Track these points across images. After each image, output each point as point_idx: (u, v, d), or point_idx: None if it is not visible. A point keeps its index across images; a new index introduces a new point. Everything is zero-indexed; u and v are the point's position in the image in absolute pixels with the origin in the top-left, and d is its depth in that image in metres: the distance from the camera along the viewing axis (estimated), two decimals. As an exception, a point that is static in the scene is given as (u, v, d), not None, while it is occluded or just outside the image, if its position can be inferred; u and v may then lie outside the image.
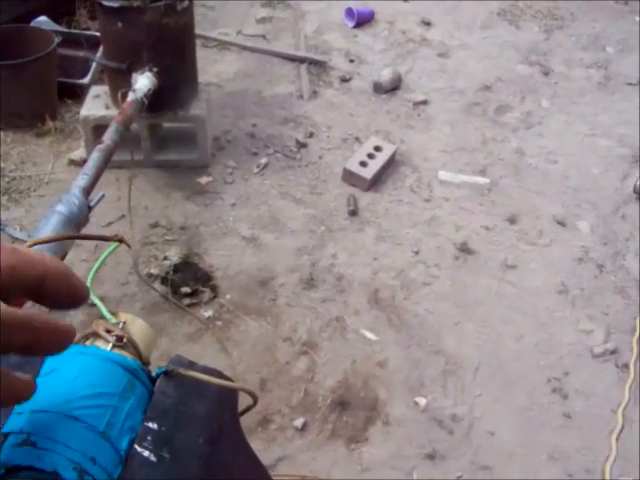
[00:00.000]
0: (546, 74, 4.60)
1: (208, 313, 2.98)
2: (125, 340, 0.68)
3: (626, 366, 2.93)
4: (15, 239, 3.27)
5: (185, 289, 3.04)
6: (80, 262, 3.15)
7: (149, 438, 0.62)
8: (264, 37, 4.82)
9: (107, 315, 0.70)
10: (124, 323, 0.70)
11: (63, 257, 2.49)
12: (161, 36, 3.28)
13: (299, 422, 2.63)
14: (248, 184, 3.63)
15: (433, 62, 4.68)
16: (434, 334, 2.98)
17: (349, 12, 4.99)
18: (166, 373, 0.68)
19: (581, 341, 3.02)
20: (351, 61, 4.62)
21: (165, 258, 3.16)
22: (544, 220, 3.57)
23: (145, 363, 0.69)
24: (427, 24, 5.06)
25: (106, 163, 2.89)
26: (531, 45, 4.86)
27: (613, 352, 2.98)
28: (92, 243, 3.22)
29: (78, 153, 3.71)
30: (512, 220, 3.54)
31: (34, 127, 3.88)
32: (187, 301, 3.01)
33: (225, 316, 2.98)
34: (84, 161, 3.53)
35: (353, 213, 3.48)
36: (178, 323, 2.94)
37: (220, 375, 0.69)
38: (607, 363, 2.96)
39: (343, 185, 3.66)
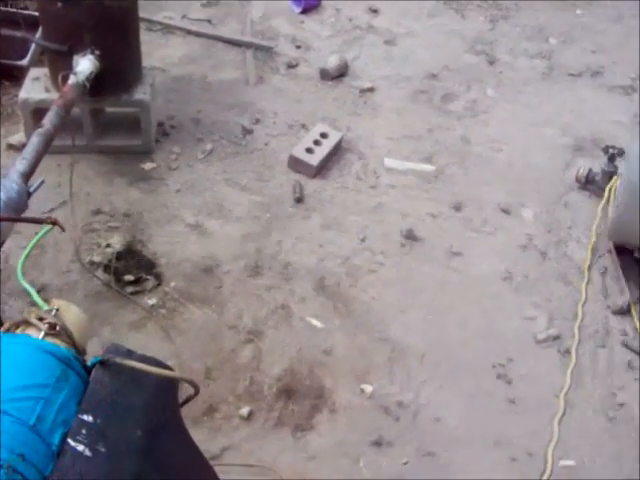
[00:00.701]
0: (491, 63, 4.62)
1: (152, 301, 2.93)
2: (58, 328, 0.64)
3: (568, 352, 2.98)
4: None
5: (128, 277, 2.99)
6: (19, 249, 3.06)
7: (83, 431, 0.59)
8: (210, 21, 4.73)
9: (39, 302, 0.67)
10: (57, 310, 0.67)
11: (1, 244, 2.42)
12: (103, 17, 3.22)
13: (245, 411, 2.61)
14: (193, 170, 3.58)
15: (380, 49, 4.66)
16: (380, 321, 2.98)
17: (296, -2, 4.94)
18: (102, 362, 0.65)
19: (525, 327, 3.06)
20: (298, 47, 4.58)
21: (108, 245, 3.10)
22: (489, 208, 3.59)
23: (80, 352, 0.66)
24: (374, 11, 5.03)
25: (46, 148, 2.81)
26: (477, 34, 4.87)
27: (556, 338, 3.03)
28: (31, 230, 3.12)
29: (17, 137, 3.61)
30: (457, 207, 3.56)
31: (-30, 110, 3.76)
32: (130, 289, 2.96)
33: (169, 304, 2.94)
34: (23, 145, 3.43)
35: (299, 200, 3.46)
36: (121, 312, 2.88)
37: (159, 364, 0.66)
38: (550, 349, 3.00)
39: (289, 172, 3.63)
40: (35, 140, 2.79)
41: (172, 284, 3.01)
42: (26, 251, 0.69)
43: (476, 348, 2.96)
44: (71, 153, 3.25)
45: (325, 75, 4.31)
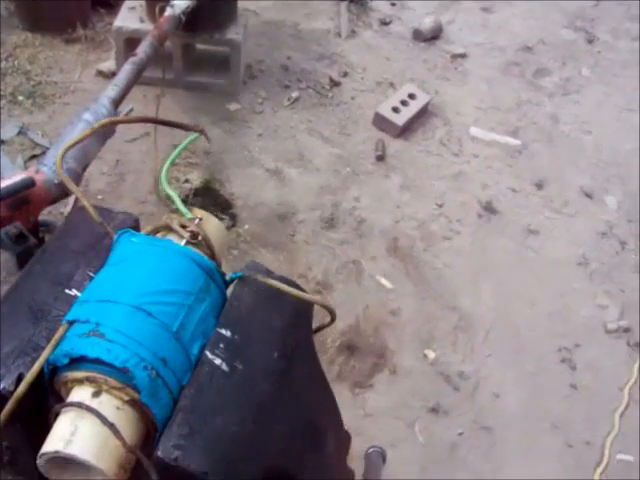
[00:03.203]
0: (590, 42, 4.47)
1: (225, 241, 2.93)
2: (200, 238, 0.63)
3: (637, 345, 2.90)
4: (36, 144, 3.22)
5: (204, 214, 2.99)
6: (100, 175, 3.12)
7: (222, 345, 0.57)
8: (307, -31, 4.68)
9: (183, 209, 0.65)
10: (200, 219, 0.65)
11: (85, 168, 2.44)
12: (207, -48, 3.18)
13: (306, 361, 2.60)
14: (277, 116, 3.55)
15: (476, 16, 4.55)
16: (450, 289, 2.94)
17: (396, -46, 4.83)
18: (242, 279, 0.63)
19: (595, 315, 2.99)
20: (393, 4, 4.49)
21: (186, 181, 3.11)
22: (571, 190, 3.50)
23: (218, 265, 0.65)
24: (474, -24, 4.91)
25: (138, 77, 2.81)
26: (578, 10, 4.71)
27: (626, 330, 2.95)
28: (113, 157, 3.17)
29: (107, 65, 3.62)
30: (539, 185, 3.48)
31: (64, 33, 3.78)
32: (205, 227, 2.97)
33: (242, 246, 2.94)
34: (112, 73, 3.46)
35: (380, 158, 3.41)
36: (194, 248, 2.89)
37: (298, 287, 0.64)
38: (619, 340, 2.93)
39: (373, 129, 3.58)
40: (127, 68, 2.78)
41: (246, 226, 3.01)
42: (171, 157, 0.68)
43: (543, 329, 2.90)
44: (159, 85, 3.24)
45: (418, 36, 4.22)
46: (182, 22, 3.14)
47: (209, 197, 3.08)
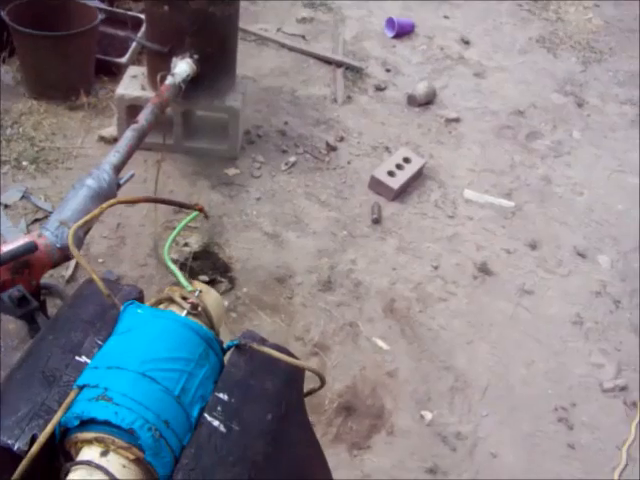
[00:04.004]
0: (580, 105, 4.59)
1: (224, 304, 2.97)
2: (200, 309, 0.67)
3: (634, 404, 2.92)
4: (39, 208, 3.29)
5: (203, 277, 3.04)
6: (101, 239, 3.17)
7: (219, 408, 0.61)
8: (303, 37, 4.82)
9: (184, 282, 0.70)
10: (200, 292, 0.70)
11: (86, 232, 2.49)
12: (206, 24, 3.29)
13: (304, 422, 2.62)
14: (275, 180, 3.63)
15: (469, 81, 4.68)
16: (446, 350, 2.97)
17: (390, 22, 4.99)
18: (238, 346, 0.67)
19: (591, 374, 3.01)
20: (387, 70, 4.63)
21: (186, 244, 3.17)
22: (565, 250, 3.56)
23: (216, 334, 0.69)
24: (466, 42, 5.06)
25: (139, 143, 2.89)
26: (567, 75, 4.85)
27: (623, 389, 2.97)
28: (114, 221, 3.23)
29: (109, 130, 3.72)
30: (533, 246, 3.53)
31: (68, 100, 3.89)
32: (204, 289, 3.01)
33: (240, 309, 2.98)
34: (114, 139, 3.55)
35: (376, 221, 3.48)
36: (193, 310, 2.93)
37: (290, 354, 0.68)
38: (615, 399, 2.94)
39: (369, 192, 3.66)
40: (129, 135, 2.86)
41: (244, 289, 3.06)
42: (172, 235, 0.73)
43: (540, 388, 2.92)
44: (159, 151, 3.33)
45: (412, 101, 4.34)
46: (182, 90, 3.24)
47: (208, 260, 3.13)
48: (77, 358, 0.64)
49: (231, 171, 3.63)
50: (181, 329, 0.63)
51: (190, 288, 0.71)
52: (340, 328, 2.99)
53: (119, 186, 2.67)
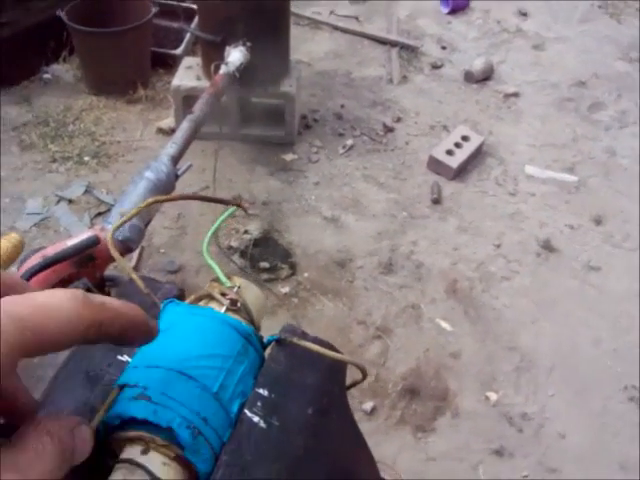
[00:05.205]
0: (645, 73, 4.45)
1: (285, 289, 2.99)
2: (239, 305, 0.67)
3: None
4: (101, 202, 3.36)
5: (264, 264, 3.06)
6: (162, 229, 3.21)
7: (259, 404, 0.61)
8: (357, 19, 4.79)
9: (222, 278, 0.70)
10: (239, 287, 0.70)
11: (147, 223, 2.53)
12: (257, 11, 3.29)
13: (368, 406, 2.62)
14: (332, 164, 3.63)
15: (527, 54, 4.58)
16: (510, 330, 2.93)
17: (445, -2, 4.92)
18: (278, 341, 0.67)
19: (662, 351, 2.93)
20: (443, 48, 4.56)
21: (246, 232, 3.19)
22: (632, 224, 3.46)
23: (256, 329, 0.69)
24: (523, 14, 4.95)
25: (195, 133, 2.92)
26: (632, 40, 4.70)
27: (695, 365, 2.89)
28: (175, 211, 3.28)
29: (167, 122, 3.77)
30: (598, 221, 3.45)
31: (126, 94, 3.96)
32: (265, 276, 3.04)
33: (302, 294, 2.99)
34: (172, 130, 3.59)
35: (436, 201, 3.44)
36: (254, 297, 2.95)
37: (331, 347, 0.68)
38: (688, 375, 2.86)
39: (428, 172, 3.62)
40: (185, 126, 2.89)
41: (305, 274, 3.07)
42: (212, 229, 0.73)
43: (608, 367, 2.86)
44: (216, 140, 3.36)
45: (469, 77, 4.27)
46: (237, 78, 3.25)
47: (268, 247, 3.15)
48: (119, 357, 0.65)
49: (289, 157, 3.64)
50: (219, 325, 0.64)
51: (229, 284, 0.71)
52: (402, 310, 2.97)
53: (177, 177, 2.70)
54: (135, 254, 3.05)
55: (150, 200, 0.71)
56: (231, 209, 0.85)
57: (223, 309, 0.67)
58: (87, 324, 0.46)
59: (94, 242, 2.20)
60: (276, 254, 3.13)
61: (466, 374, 2.77)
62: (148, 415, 0.57)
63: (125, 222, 0.71)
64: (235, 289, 0.69)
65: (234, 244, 3.15)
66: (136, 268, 3.04)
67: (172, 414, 0.57)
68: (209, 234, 0.80)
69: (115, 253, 0.68)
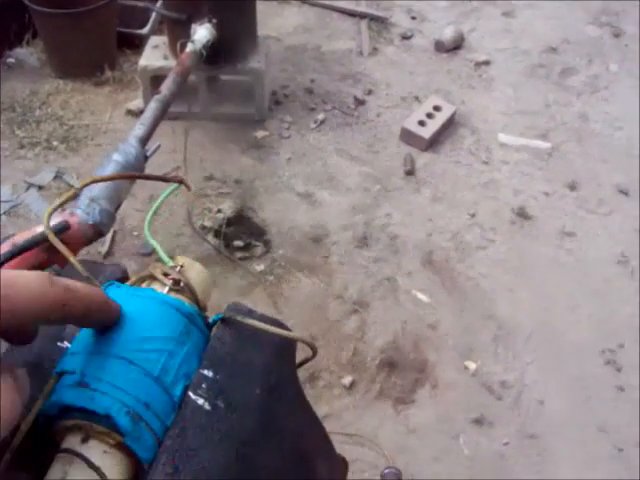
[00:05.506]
0: (617, 36, 4.43)
1: (260, 267, 2.97)
2: (182, 284, 0.66)
3: (684, 340, 2.85)
4: (71, 187, 3.31)
5: (238, 243, 3.04)
6: (134, 212, 3.17)
7: (204, 386, 0.60)
8: (325, -9, 4.73)
9: (164, 258, 0.68)
10: (181, 267, 0.68)
11: (117, 207, 2.50)
12: (222, -13, 3.24)
13: (347, 380, 2.62)
14: (304, 140, 3.60)
15: (497, 21, 4.55)
16: (487, 299, 2.94)
17: (413, -32, 4.86)
18: (223, 320, 0.66)
19: (639, 313, 2.94)
20: (413, 18, 4.52)
21: (219, 211, 3.16)
22: (606, 188, 3.47)
23: (202, 309, 0.67)
24: (493, -18, 4.91)
25: (163, 113, 2.87)
26: (602, 5, 4.67)
27: (672, 326, 2.90)
28: (146, 193, 3.24)
29: (135, 103, 3.72)
30: (572, 187, 3.45)
31: (93, 76, 3.89)
32: (239, 255, 3.01)
33: (277, 271, 2.97)
34: (141, 111, 3.53)
35: (409, 173, 3.43)
36: (229, 276, 2.94)
37: (279, 325, 0.66)
38: (665, 337, 2.88)
39: (400, 144, 3.60)
40: (153, 106, 2.84)
41: (280, 252, 3.05)
42: (153, 208, 0.71)
43: (585, 332, 2.87)
44: (186, 119, 3.32)
45: (440, 47, 4.24)
46: (204, 56, 3.20)
47: (242, 225, 3.12)
48: (59, 344, 0.63)
49: (260, 134, 3.60)
50: (159, 307, 0.62)
51: (171, 263, 0.69)
52: (379, 284, 2.96)
53: (147, 158, 2.66)
54: (108, 238, 3.02)
55: (88, 179, 0.69)
56: (172, 186, 0.83)
57: (165, 289, 0.65)
58: (51, 302, 0.50)
59: (64, 228, 2.16)
60: (250, 232, 3.10)
61: (444, 345, 2.77)
62: (85, 402, 0.55)
63: (60, 205, 0.69)
64: (178, 268, 0.67)
65: (207, 224, 3.12)
66: (109, 252, 3.01)
67: (110, 400, 0.55)
68: (150, 213, 0.79)
69: (50, 232, 0.66)
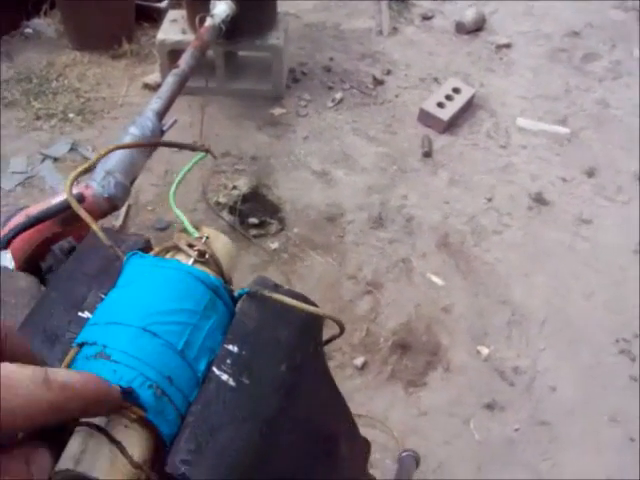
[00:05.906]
0: (641, 21, 4.37)
1: (274, 245, 2.96)
2: (207, 256, 0.64)
3: (699, 332, 2.82)
4: (87, 160, 3.29)
5: (253, 220, 3.02)
6: (150, 186, 3.16)
7: (228, 361, 0.58)
8: (346, -31, 4.68)
9: (190, 228, 0.67)
10: (207, 238, 0.66)
11: (133, 181, 2.48)
12: (242, -39, 3.21)
13: (359, 361, 2.61)
14: (321, 118, 3.57)
15: (519, 4, 4.49)
16: (502, 283, 2.91)
17: (435, -53, 4.80)
18: (249, 294, 0.64)
19: (654, 303, 2.92)
20: (434, -2, 4.47)
21: (234, 187, 3.14)
22: (624, 176, 3.42)
23: (227, 282, 0.66)
24: (516, -37, 4.84)
25: (181, 88, 2.85)
26: (627, -12, 4.61)
27: (687, 318, 2.87)
28: (162, 168, 3.22)
29: (152, 77, 3.69)
30: (590, 173, 3.41)
31: (110, 49, 3.87)
32: (254, 232, 3.00)
33: (291, 249, 2.96)
34: (158, 85, 3.51)
35: (427, 155, 3.40)
36: (243, 253, 2.92)
37: (306, 300, 0.64)
38: (680, 329, 2.85)
39: (418, 125, 3.57)
40: (170, 80, 2.82)
41: (295, 230, 3.03)
42: (178, 177, 0.70)
43: (600, 320, 2.84)
44: (203, 95, 3.29)
45: (461, 28, 4.19)
46: (223, 31, 3.17)
47: (257, 202, 3.11)
48: (80, 314, 0.61)
49: (277, 111, 3.58)
50: (185, 278, 0.60)
51: (196, 234, 0.67)
52: (393, 265, 2.94)
53: (163, 133, 2.64)
54: (122, 212, 3.00)
55: (111, 147, 0.67)
56: (199, 155, 0.81)
57: (190, 261, 0.63)
58: (46, 408, 0.44)
59: (79, 200, 2.16)
60: (265, 210, 3.09)
61: (457, 328, 2.75)
62: (107, 374, 0.53)
63: (81, 173, 0.67)
64: (203, 240, 0.65)
65: (222, 200, 3.11)
66: (123, 226, 3.00)
67: (133, 373, 0.53)
68: (176, 181, 0.77)
69: (72, 199, 0.65)
